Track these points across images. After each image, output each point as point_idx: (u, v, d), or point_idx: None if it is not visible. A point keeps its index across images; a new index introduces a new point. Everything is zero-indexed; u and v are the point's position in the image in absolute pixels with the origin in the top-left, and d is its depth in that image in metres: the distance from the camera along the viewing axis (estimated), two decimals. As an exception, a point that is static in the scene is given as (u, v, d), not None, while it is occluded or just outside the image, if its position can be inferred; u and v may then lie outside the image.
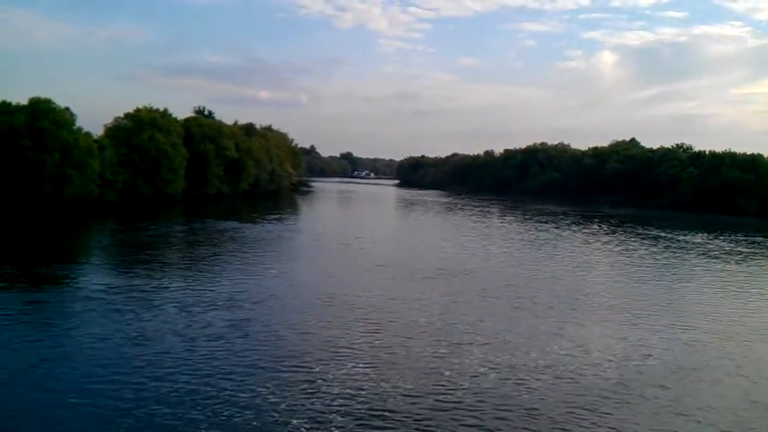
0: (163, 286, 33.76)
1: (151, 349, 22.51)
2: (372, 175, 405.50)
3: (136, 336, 24.11)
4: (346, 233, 66.69)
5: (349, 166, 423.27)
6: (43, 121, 74.38)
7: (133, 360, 21.33)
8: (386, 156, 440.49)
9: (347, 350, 23.41)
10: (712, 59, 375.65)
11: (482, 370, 21.79)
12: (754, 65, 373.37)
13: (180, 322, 26.46)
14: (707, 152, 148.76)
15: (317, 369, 21.08)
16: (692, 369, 23.32)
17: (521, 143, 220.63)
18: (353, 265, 45.41)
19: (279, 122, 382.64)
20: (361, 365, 21.73)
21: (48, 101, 77.23)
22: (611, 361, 23.64)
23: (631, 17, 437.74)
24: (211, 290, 33.07)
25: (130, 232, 58.26)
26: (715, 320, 31.86)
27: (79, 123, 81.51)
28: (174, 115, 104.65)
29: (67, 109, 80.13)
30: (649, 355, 24.64)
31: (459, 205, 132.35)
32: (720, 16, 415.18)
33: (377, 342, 24.77)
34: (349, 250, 52.56)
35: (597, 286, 40.45)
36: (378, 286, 36.32)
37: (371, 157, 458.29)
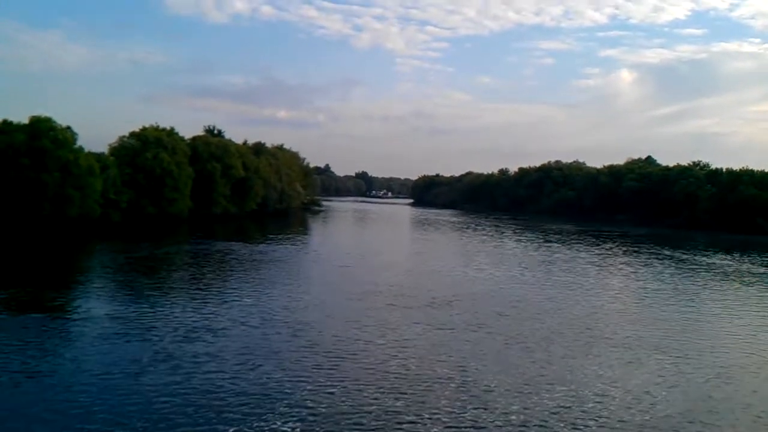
0: (131, 312, 32.09)
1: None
2: (389, 194, 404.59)
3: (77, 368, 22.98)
4: (348, 255, 64.95)
5: (364, 186, 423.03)
6: (43, 140, 73.29)
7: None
8: (402, 175, 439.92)
9: (280, 404, 19.86)
10: (731, 76, 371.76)
11: (436, 430, 18.55)
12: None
13: (113, 352, 25.17)
14: (724, 170, 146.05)
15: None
16: (702, 421, 20.19)
17: (538, 162, 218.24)
18: (342, 291, 42.51)
19: (296, 142, 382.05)
20: (289, 424, 18.34)
21: (48, 120, 76.16)
22: (606, 411, 20.39)
23: (649, 35, 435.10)
24: (174, 319, 31.11)
25: (127, 254, 56.60)
26: (735, 354, 29.01)
27: (95, 144, 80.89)
28: (182, 135, 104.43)
29: (68, 128, 78.89)
30: (653, 404, 21.27)
31: (471, 225, 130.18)
32: (739, 33, 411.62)
33: (323, 391, 21.20)
34: (345, 274, 50.87)
35: (605, 315, 37.29)
36: (358, 318, 33.08)
37: (386, 176, 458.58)
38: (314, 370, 23.48)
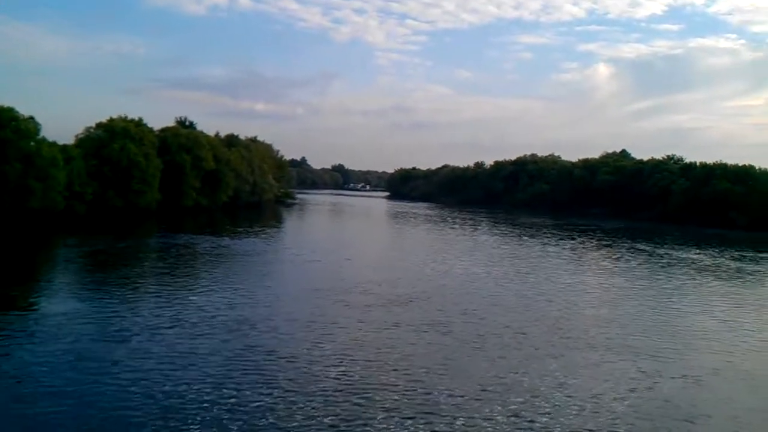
0: (63, 309, 30.40)
1: None
2: (367, 187, 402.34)
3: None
4: (315, 249, 63.55)
5: (340, 178, 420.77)
6: (5, 130, 71.10)
7: None
8: (380, 168, 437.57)
9: (193, 418, 17.91)
10: (707, 72, 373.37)
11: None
12: (749, 78, 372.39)
13: (26, 351, 23.83)
14: (698, 164, 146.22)
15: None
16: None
17: (517, 155, 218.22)
18: (300, 287, 40.67)
19: (274, 135, 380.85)
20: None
21: (10, 109, 73.70)
22: (559, 426, 18.70)
23: (626, 30, 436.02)
24: (108, 317, 29.39)
25: (82, 248, 54.97)
26: (708, 356, 27.91)
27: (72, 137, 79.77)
28: (151, 127, 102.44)
29: (31, 118, 76.71)
30: (615, 415, 19.79)
31: (446, 218, 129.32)
32: (715, 28, 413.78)
33: (248, 402, 19.24)
34: (308, 269, 49.64)
35: (574, 313, 36.07)
36: (308, 316, 31.10)
37: (363, 169, 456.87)
38: (243, 377, 21.68)
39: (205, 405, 19.04)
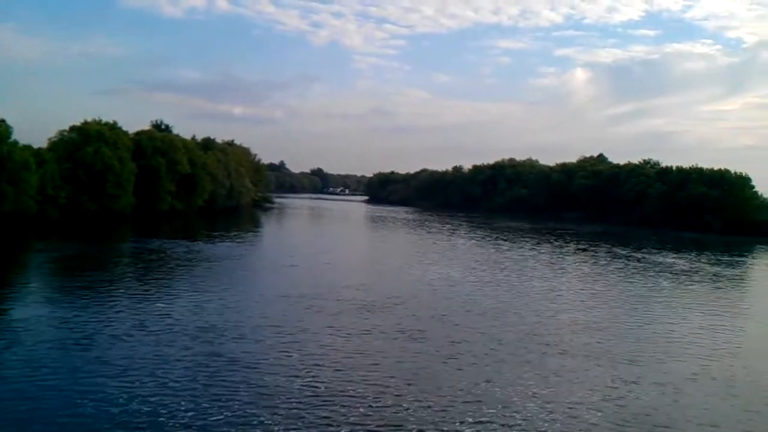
0: (20, 316, 29.50)
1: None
2: (346, 191, 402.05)
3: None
4: (291, 254, 62.61)
5: (319, 182, 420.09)
6: (-25, 133, 70.07)
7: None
8: (359, 172, 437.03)
9: None
10: (684, 77, 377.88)
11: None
12: (724, 83, 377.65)
13: None
14: (674, 168, 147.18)
15: None
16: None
17: (496, 159, 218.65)
18: (271, 292, 39.45)
19: (252, 139, 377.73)
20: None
21: (-20, 113, 72.86)
22: None
23: (603, 35, 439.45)
24: (65, 324, 28.26)
25: (52, 252, 53.88)
26: (685, 363, 27.42)
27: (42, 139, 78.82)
28: (126, 130, 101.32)
29: (3, 121, 75.67)
30: (587, 427, 19.21)
31: (424, 222, 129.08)
32: (691, 34, 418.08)
33: (205, 416, 18.24)
34: (281, 274, 48.69)
35: (551, 318, 35.28)
36: (277, 323, 30.07)
37: (342, 173, 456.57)
38: (203, 387, 20.70)
39: (161, 418, 18.20)
